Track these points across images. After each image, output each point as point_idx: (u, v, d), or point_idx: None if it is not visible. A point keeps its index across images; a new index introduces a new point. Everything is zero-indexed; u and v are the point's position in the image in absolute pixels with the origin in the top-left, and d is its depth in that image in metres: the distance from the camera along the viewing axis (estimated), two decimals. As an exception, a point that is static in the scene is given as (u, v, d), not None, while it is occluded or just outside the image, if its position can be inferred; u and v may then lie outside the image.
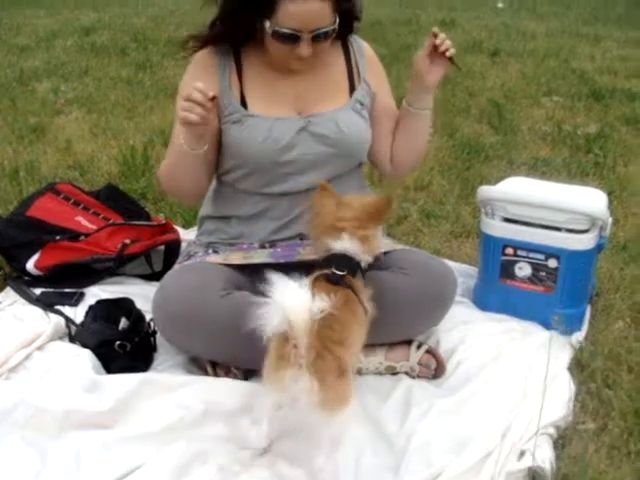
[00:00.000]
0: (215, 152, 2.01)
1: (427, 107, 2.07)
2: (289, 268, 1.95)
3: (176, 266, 2.10)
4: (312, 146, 1.97)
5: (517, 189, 2.26)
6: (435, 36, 1.94)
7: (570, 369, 2.02)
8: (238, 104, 1.96)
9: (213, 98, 1.75)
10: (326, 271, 1.67)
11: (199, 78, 1.91)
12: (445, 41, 1.94)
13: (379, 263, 1.91)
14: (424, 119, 2.09)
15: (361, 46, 2.12)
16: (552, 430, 1.75)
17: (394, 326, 1.95)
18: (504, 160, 3.71)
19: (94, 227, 2.47)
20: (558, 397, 1.85)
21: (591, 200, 2.21)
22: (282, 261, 1.94)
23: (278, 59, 1.93)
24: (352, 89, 2.06)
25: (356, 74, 2.08)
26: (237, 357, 1.90)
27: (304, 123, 1.97)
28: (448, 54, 1.95)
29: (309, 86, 2.02)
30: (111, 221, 2.51)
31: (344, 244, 1.70)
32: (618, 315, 2.30)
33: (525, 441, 1.70)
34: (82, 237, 2.41)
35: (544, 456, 1.63)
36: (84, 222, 2.50)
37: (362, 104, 2.06)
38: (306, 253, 1.97)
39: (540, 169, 3.59)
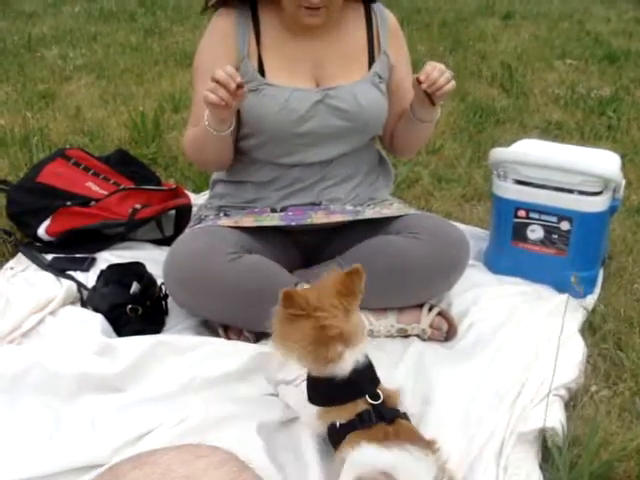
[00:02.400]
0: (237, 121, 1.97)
1: (431, 119, 2.00)
2: (301, 232, 1.97)
3: (187, 230, 2.10)
4: (329, 119, 1.94)
5: (530, 151, 2.23)
6: (419, 82, 1.83)
7: (582, 332, 2.01)
8: (256, 72, 1.93)
9: (240, 86, 1.69)
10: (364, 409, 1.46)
11: (218, 44, 1.90)
12: (433, 81, 1.81)
13: None
14: (427, 126, 2.04)
15: (385, 17, 2.06)
16: (564, 392, 1.75)
17: (406, 291, 1.96)
18: (516, 123, 3.68)
19: (105, 192, 2.46)
20: (570, 359, 1.84)
21: (604, 162, 2.19)
22: (294, 224, 1.93)
23: (290, 10, 1.87)
24: (371, 60, 2.02)
25: (377, 45, 2.03)
26: (248, 320, 1.90)
27: (322, 95, 1.93)
28: (439, 93, 1.84)
29: (328, 53, 1.97)
30: (122, 186, 2.50)
31: (352, 357, 1.48)
32: (631, 278, 2.30)
33: (537, 403, 1.70)
34: (93, 202, 2.41)
35: (555, 418, 1.63)
36: (94, 187, 2.50)
37: (381, 77, 2.01)
38: (318, 217, 1.96)
39: (553, 132, 3.56)
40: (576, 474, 1.50)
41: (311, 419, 1.56)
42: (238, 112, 1.95)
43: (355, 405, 1.46)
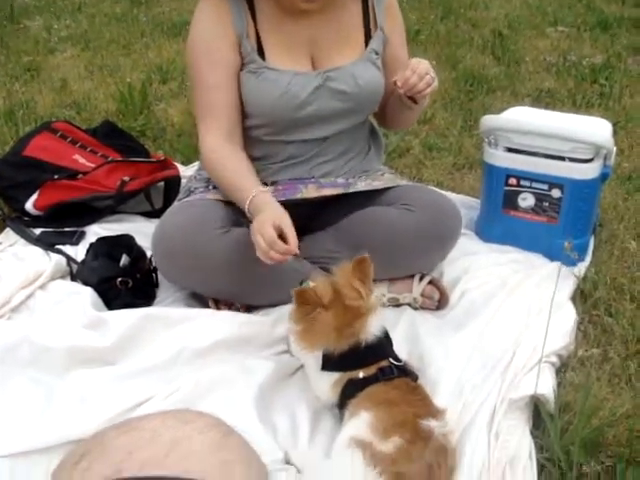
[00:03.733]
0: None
1: (418, 109, 1.97)
2: (291, 206, 1.94)
3: (175, 203, 2.07)
4: (328, 102, 1.91)
5: (521, 118, 2.21)
6: (396, 85, 1.80)
7: (573, 299, 2.02)
8: (255, 54, 1.87)
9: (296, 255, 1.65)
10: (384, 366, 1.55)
11: (215, 23, 1.85)
12: (412, 87, 1.78)
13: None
14: (415, 111, 2.00)
15: None
16: (555, 359, 1.76)
17: (399, 262, 1.95)
18: (508, 91, 3.66)
19: (92, 165, 2.43)
20: (561, 326, 1.85)
21: (595, 128, 2.17)
22: (284, 199, 1.91)
23: None
24: (367, 36, 1.97)
25: (372, 21, 1.98)
26: (237, 294, 1.90)
27: (322, 79, 1.89)
28: (419, 96, 1.82)
29: (324, 31, 1.92)
30: (110, 158, 2.47)
31: (376, 322, 1.59)
32: (621, 245, 2.30)
33: (528, 370, 1.70)
34: (80, 175, 2.38)
35: (546, 385, 1.63)
36: (82, 160, 2.47)
37: (377, 53, 1.98)
38: (308, 191, 1.95)
39: (544, 100, 3.54)
40: (567, 440, 1.51)
41: (323, 387, 1.59)
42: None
43: (377, 365, 1.54)
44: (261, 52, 1.88)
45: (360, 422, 1.44)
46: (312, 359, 1.59)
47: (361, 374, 1.53)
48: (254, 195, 1.73)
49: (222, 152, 1.88)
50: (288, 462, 1.49)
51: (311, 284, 1.57)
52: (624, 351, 1.83)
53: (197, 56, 1.89)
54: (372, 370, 1.53)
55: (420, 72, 1.77)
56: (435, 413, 1.47)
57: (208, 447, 0.53)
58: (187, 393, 1.59)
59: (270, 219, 1.63)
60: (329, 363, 1.55)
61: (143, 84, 3.48)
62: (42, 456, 1.43)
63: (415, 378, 1.58)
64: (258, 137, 1.96)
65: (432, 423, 1.42)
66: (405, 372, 1.56)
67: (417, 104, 1.90)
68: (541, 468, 1.49)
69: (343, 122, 1.96)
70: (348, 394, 1.53)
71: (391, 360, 1.56)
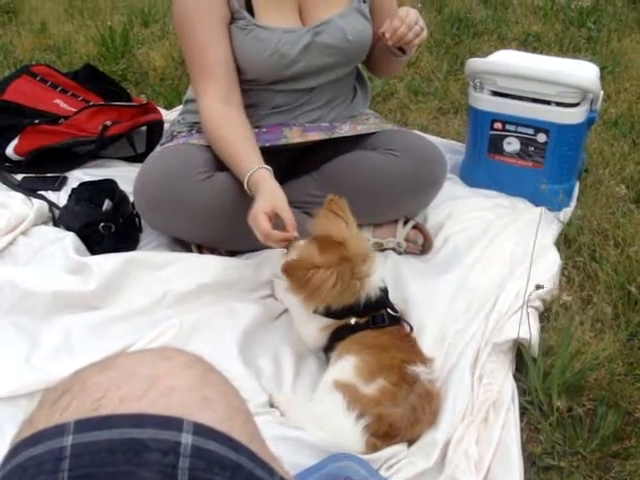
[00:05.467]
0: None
1: (406, 58, 1.94)
2: (274, 151, 1.92)
3: (158, 148, 2.05)
4: (318, 57, 1.87)
5: (507, 61, 2.19)
6: (384, 36, 1.77)
7: (557, 244, 2.02)
8: (244, 10, 1.82)
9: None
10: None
11: None
12: (400, 37, 1.75)
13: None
14: (402, 60, 1.97)
15: None
16: (538, 303, 1.77)
17: (383, 207, 1.94)
18: (494, 35, 3.63)
19: (73, 109, 2.39)
20: (545, 271, 1.86)
21: (582, 72, 2.16)
22: (268, 145, 1.88)
23: None
24: None
25: None
26: (221, 239, 1.89)
27: (311, 36, 1.85)
28: (408, 47, 1.80)
29: None
30: (91, 103, 2.43)
31: (379, 275, 1.59)
32: (607, 191, 2.29)
33: (511, 314, 1.71)
34: (62, 120, 2.34)
35: (529, 329, 1.64)
36: (63, 105, 2.42)
37: (364, 1, 1.93)
38: (292, 136, 1.92)
39: (531, 44, 3.51)
40: (549, 383, 1.53)
41: (311, 331, 1.59)
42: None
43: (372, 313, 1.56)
44: (249, 7, 1.83)
45: (346, 365, 1.45)
46: (298, 304, 1.57)
47: (353, 320, 1.53)
48: (252, 173, 1.68)
49: (221, 119, 1.81)
50: (272, 405, 1.51)
51: (297, 245, 1.56)
52: (607, 297, 1.84)
53: (186, 14, 1.83)
54: (365, 317, 1.54)
55: (409, 22, 1.74)
56: (423, 360, 1.49)
57: (188, 383, 0.52)
58: (171, 337, 1.59)
59: (263, 207, 1.59)
60: (328, 313, 1.55)
61: (124, 27, 3.41)
62: (27, 400, 1.43)
63: (410, 328, 1.59)
64: (246, 87, 1.93)
65: (419, 369, 1.44)
66: (398, 321, 1.57)
67: (405, 54, 1.87)
68: (523, 411, 1.51)
69: (331, 74, 1.94)
70: (338, 337, 1.54)
71: (388, 310, 1.56)
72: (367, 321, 1.53)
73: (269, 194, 1.63)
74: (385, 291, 1.60)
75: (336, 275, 1.47)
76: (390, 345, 1.49)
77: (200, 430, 0.49)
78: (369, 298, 1.53)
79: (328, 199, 1.58)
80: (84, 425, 0.48)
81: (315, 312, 1.54)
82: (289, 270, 1.49)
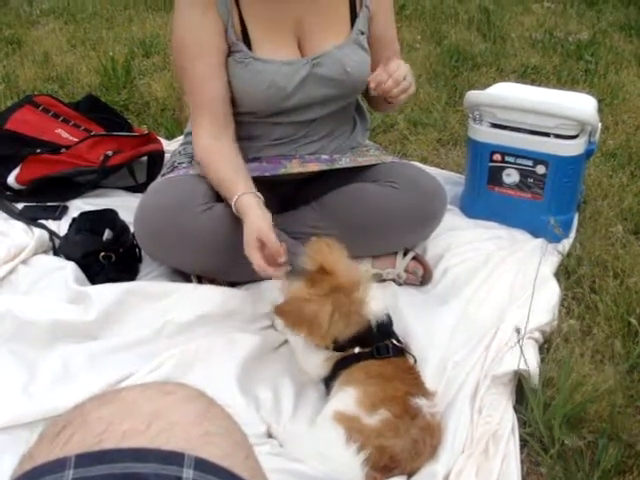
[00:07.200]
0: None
1: (396, 104, 1.92)
2: (275, 182, 1.93)
3: (159, 178, 2.05)
4: (316, 90, 1.87)
5: (506, 94, 2.21)
6: (370, 86, 1.75)
7: (557, 275, 2.02)
8: (241, 42, 1.82)
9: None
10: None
11: (202, 14, 1.78)
12: (386, 92, 1.74)
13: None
14: (394, 104, 1.95)
15: None
16: (538, 335, 1.76)
17: (383, 239, 1.95)
18: (493, 67, 3.65)
19: (75, 139, 2.41)
20: (545, 303, 1.85)
21: (581, 105, 2.17)
22: (267, 174, 1.89)
23: None
24: (353, 16, 1.91)
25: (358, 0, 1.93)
26: (220, 270, 1.88)
27: (309, 68, 1.85)
28: (394, 101, 1.79)
29: (309, 11, 1.87)
30: (92, 132, 2.45)
31: (376, 310, 1.57)
32: (606, 222, 2.30)
33: (511, 346, 1.71)
34: (63, 150, 2.36)
35: (529, 360, 1.64)
36: (65, 134, 2.44)
37: (363, 32, 1.93)
38: (292, 166, 1.92)
39: (530, 76, 3.54)
40: (550, 415, 1.52)
41: (314, 361, 1.58)
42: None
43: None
44: (246, 40, 1.83)
45: (347, 396, 1.44)
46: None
47: (357, 349, 1.52)
48: (237, 198, 1.69)
49: (212, 156, 1.83)
50: (270, 436, 1.50)
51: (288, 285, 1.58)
52: (607, 328, 1.84)
53: (186, 54, 1.83)
54: (369, 346, 1.53)
55: (397, 77, 1.72)
56: (426, 393, 1.49)
57: (190, 418, 0.52)
58: (170, 367, 1.59)
59: (250, 241, 1.61)
60: (336, 347, 1.54)
61: (126, 58, 3.44)
62: (25, 431, 1.43)
63: (413, 360, 1.59)
64: (245, 119, 1.93)
65: (421, 401, 1.43)
66: (402, 352, 1.56)
67: (391, 104, 1.88)
68: (523, 443, 1.50)
69: (331, 106, 1.94)
70: (341, 367, 1.53)
71: (393, 341, 1.56)
72: (371, 351, 1.52)
73: (252, 222, 1.63)
74: (389, 320, 1.59)
75: (331, 304, 1.47)
76: (394, 376, 1.49)
77: (202, 465, 0.49)
78: (373, 326, 1.53)
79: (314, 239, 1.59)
80: (85, 459, 0.48)
81: (327, 349, 1.53)
82: (281, 311, 1.50)
